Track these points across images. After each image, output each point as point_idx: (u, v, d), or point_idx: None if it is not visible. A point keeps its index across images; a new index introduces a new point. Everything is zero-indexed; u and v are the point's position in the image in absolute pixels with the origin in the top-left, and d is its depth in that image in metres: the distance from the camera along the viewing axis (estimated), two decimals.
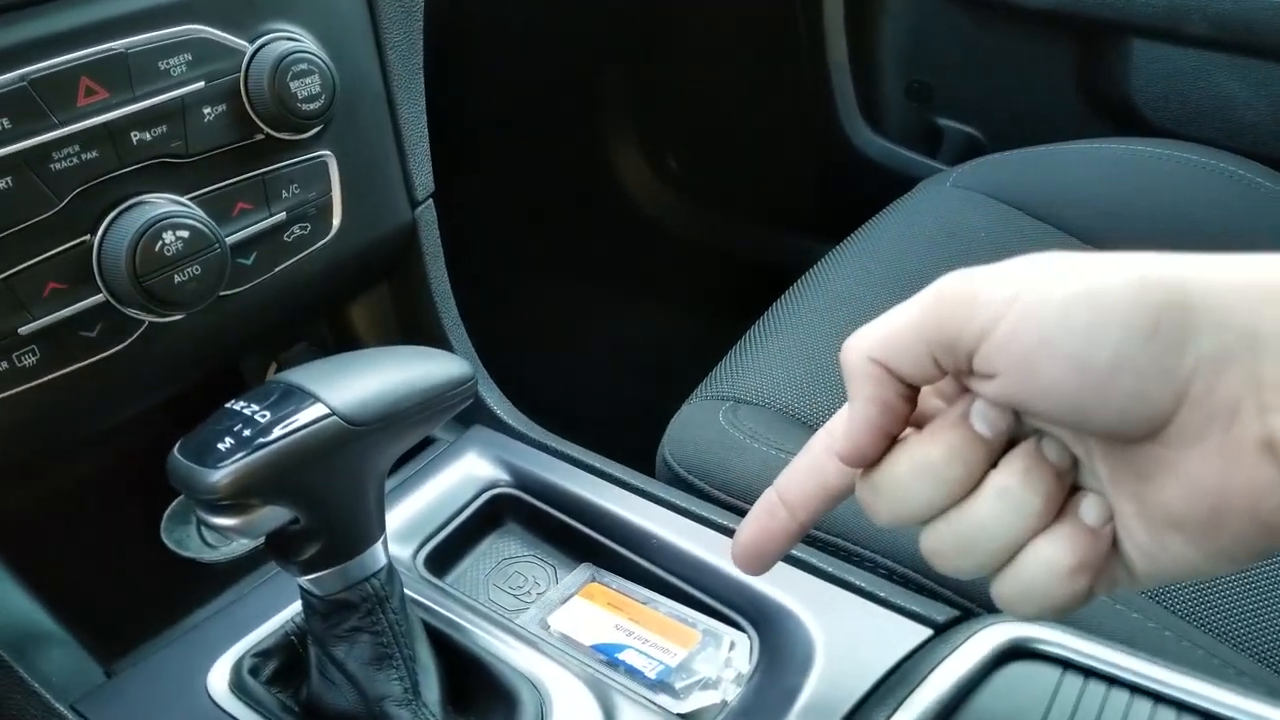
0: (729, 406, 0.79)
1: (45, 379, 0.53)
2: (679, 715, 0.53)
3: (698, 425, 0.77)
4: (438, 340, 0.74)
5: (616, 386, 1.51)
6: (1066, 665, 0.50)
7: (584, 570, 0.63)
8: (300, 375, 0.48)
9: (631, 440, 0.89)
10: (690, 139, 1.68)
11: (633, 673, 0.55)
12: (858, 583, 0.57)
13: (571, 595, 0.61)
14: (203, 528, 0.69)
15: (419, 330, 0.75)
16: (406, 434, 0.50)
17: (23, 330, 0.51)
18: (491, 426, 0.72)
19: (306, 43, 0.58)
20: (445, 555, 0.63)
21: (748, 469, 0.71)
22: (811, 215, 1.58)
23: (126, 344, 0.55)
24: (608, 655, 0.56)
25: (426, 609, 0.56)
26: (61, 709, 0.53)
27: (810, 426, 0.76)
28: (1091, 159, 1.08)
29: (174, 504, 0.71)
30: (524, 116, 1.61)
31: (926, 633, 0.54)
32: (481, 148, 1.48)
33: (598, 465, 0.67)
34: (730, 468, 0.71)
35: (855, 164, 1.46)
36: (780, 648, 0.55)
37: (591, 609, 0.60)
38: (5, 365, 0.51)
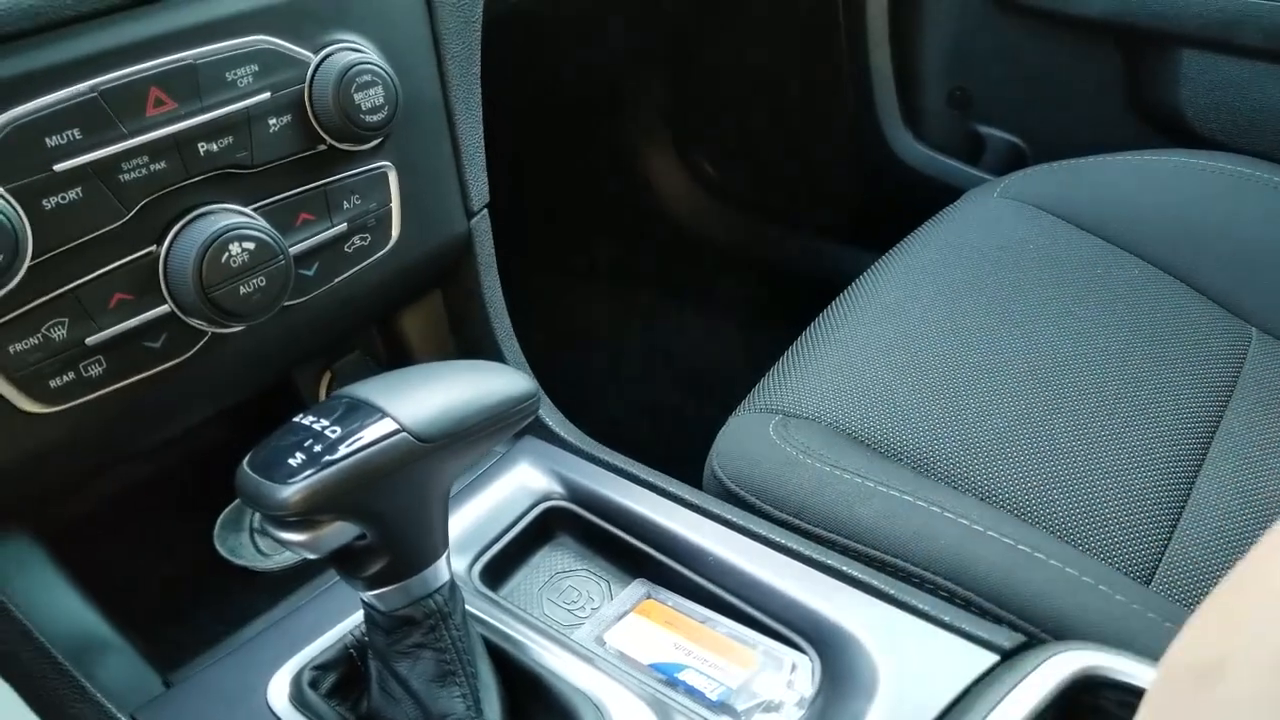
0: (779, 420, 0.78)
1: (110, 389, 0.53)
2: None
3: (748, 438, 0.77)
4: (490, 350, 0.74)
5: (655, 391, 1.50)
6: (1138, 695, 0.49)
7: (639, 586, 0.63)
8: (366, 390, 0.48)
9: (673, 446, 0.88)
10: (727, 145, 1.67)
11: (693, 693, 0.54)
12: (920, 606, 0.56)
13: (627, 612, 0.60)
14: (256, 535, 0.69)
15: (471, 340, 0.75)
16: (473, 450, 0.49)
17: (89, 341, 0.51)
18: (542, 438, 0.72)
19: (370, 54, 0.58)
20: (500, 568, 0.63)
21: (803, 485, 0.70)
22: (851, 222, 1.57)
23: (190, 354, 0.55)
24: (667, 675, 0.55)
25: (484, 623, 0.56)
26: (122, 718, 0.53)
27: (862, 443, 0.75)
28: (1140, 171, 1.07)
29: (226, 511, 0.71)
30: (558, 121, 1.61)
31: (993, 659, 0.53)
32: (515, 152, 1.48)
33: (650, 479, 0.66)
34: (785, 484, 0.71)
35: (896, 171, 1.45)
36: (842, 672, 0.54)
37: (648, 626, 0.59)
38: (72, 375, 0.51)
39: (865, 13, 1.40)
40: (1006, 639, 0.54)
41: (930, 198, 1.17)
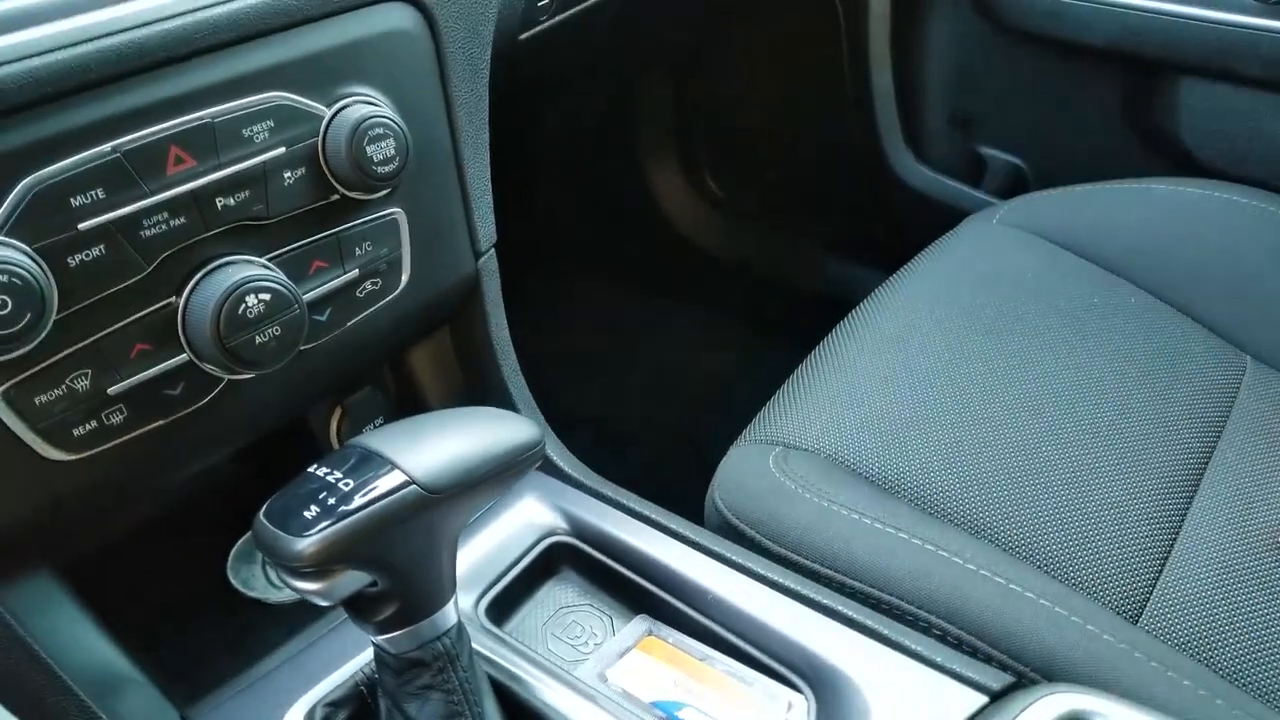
0: (779, 452, 0.80)
1: (131, 435, 0.55)
2: None
3: (748, 471, 0.78)
4: (497, 386, 0.76)
5: (662, 409, 1.52)
6: None
7: (641, 622, 0.64)
8: (378, 441, 0.50)
9: (679, 467, 0.90)
10: (730, 162, 1.69)
11: None
12: (913, 646, 0.58)
13: (629, 648, 0.62)
14: (269, 568, 0.71)
15: (478, 375, 0.77)
16: (481, 498, 0.51)
17: (111, 391, 0.53)
18: (548, 472, 0.74)
19: (382, 106, 0.60)
20: (505, 603, 0.65)
21: (800, 520, 0.72)
22: (855, 240, 1.59)
23: (207, 400, 0.57)
24: (668, 713, 0.57)
25: (490, 661, 0.58)
26: None
27: (861, 476, 0.77)
28: (1139, 200, 1.08)
29: (239, 544, 0.73)
30: (567, 143, 1.63)
31: (982, 700, 0.55)
32: (522, 167, 1.50)
33: (653, 515, 0.68)
34: (783, 518, 0.72)
35: (899, 192, 1.46)
36: (836, 711, 0.56)
37: (650, 663, 0.61)
38: (95, 424, 0.53)
39: (868, 34, 1.42)
40: (996, 680, 0.56)
41: (932, 219, 1.18)
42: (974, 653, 0.61)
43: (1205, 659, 0.67)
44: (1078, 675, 0.60)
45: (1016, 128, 1.39)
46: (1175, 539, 0.77)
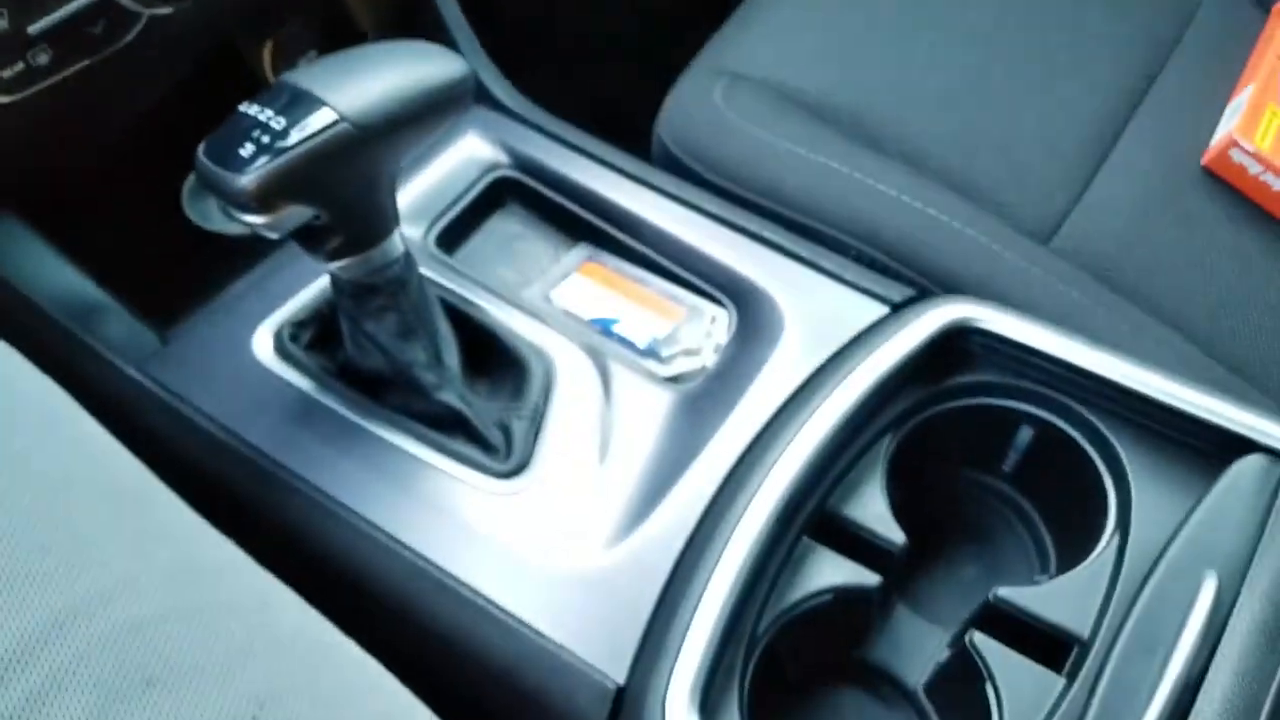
0: (726, 83, 0.80)
1: (60, 75, 0.55)
2: (665, 378, 0.61)
3: (694, 103, 0.79)
4: (428, 11, 0.74)
5: (614, 39, 1.48)
6: (1001, 341, 0.57)
7: (582, 250, 0.69)
8: (308, 79, 0.51)
9: (628, 102, 0.91)
10: None
11: (625, 343, 0.63)
12: (826, 265, 0.63)
13: (571, 273, 0.67)
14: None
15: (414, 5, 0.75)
16: (413, 133, 0.53)
17: (31, 30, 0.53)
18: (490, 107, 0.75)
19: None
20: (454, 234, 0.69)
21: (739, 152, 0.74)
22: None
23: (131, 37, 0.57)
24: (603, 327, 0.63)
25: (441, 287, 0.63)
26: (129, 371, 0.61)
27: (804, 105, 0.78)
28: None
29: (190, 179, 0.75)
30: None
31: (883, 310, 0.61)
32: None
33: (595, 151, 0.70)
34: (723, 150, 0.75)
35: None
36: (754, 322, 0.62)
37: (590, 285, 0.66)
38: (21, 66, 0.54)
39: None
40: (899, 294, 0.62)
41: None
42: (885, 271, 0.66)
43: (1105, 277, 0.72)
44: (977, 290, 0.66)
45: None
46: (1103, 162, 0.80)
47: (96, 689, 0.32)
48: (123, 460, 0.43)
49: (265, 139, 0.49)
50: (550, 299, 0.66)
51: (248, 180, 0.48)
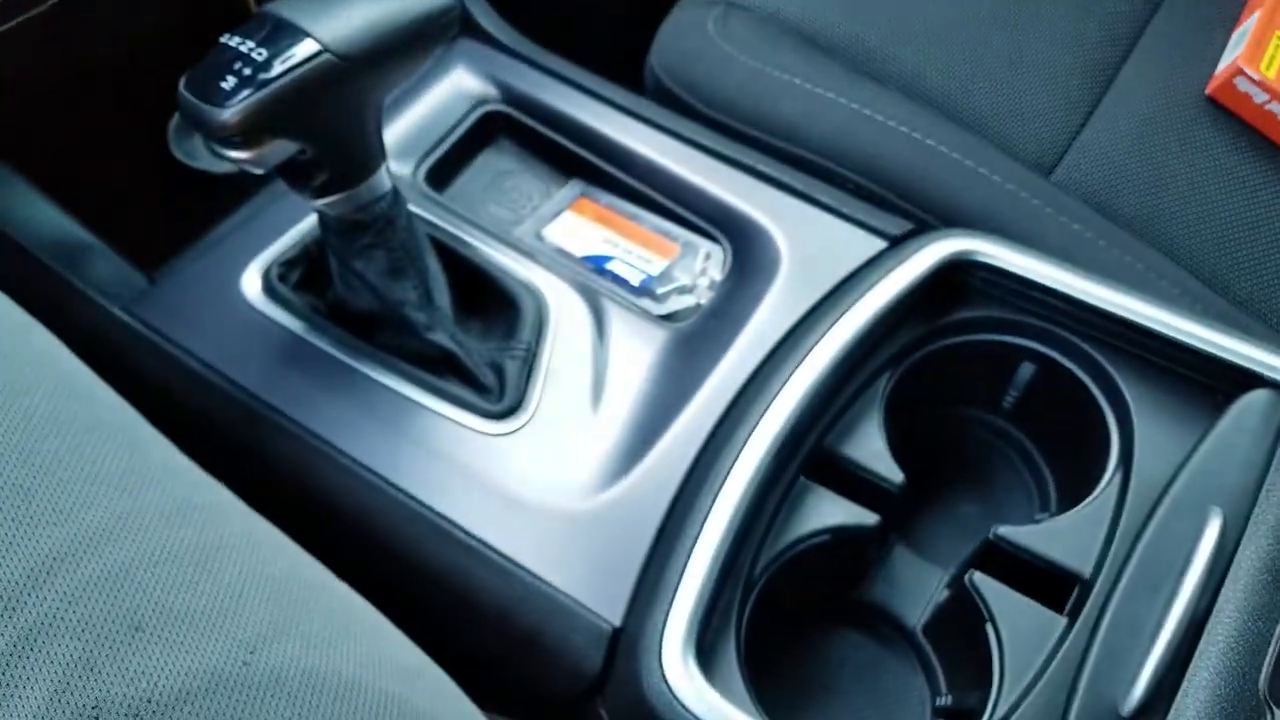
0: (720, 12, 0.78)
1: (42, 8, 0.54)
2: (658, 316, 0.60)
3: (688, 33, 0.77)
4: None
5: None
6: (1002, 275, 0.56)
7: (574, 186, 0.67)
8: (290, 9, 0.49)
9: (622, 37, 0.88)
10: None
11: (619, 281, 0.62)
12: (824, 199, 0.62)
13: (563, 210, 0.66)
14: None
15: None
16: (399, 65, 0.51)
17: None
18: (478, 40, 0.72)
19: None
20: (443, 170, 0.67)
21: (732, 83, 0.72)
22: None
23: None
24: (597, 265, 0.62)
25: (431, 224, 0.62)
26: (116, 312, 0.60)
27: (800, 34, 0.76)
28: None
29: (175, 117, 0.73)
30: None
31: (881, 244, 0.60)
32: None
33: (586, 84, 0.69)
34: (717, 81, 0.73)
35: None
36: (750, 258, 0.61)
37: (582, 222, 0.65)
38: None
39: None
40: (897, 227, 0.61)
41: None
42: (882, 204, 0.65)
43: (1108, 210, 0.71)
44: (976, 223, 0.65)
45: None
46: (1105, 92, 0.78)
47: (83, 634, 0.31)
48: (109, 401, 0.42)
49: (247, 71, 0.47)
50: (542, 236, 0.65)
51: (229, 114, 0.47)
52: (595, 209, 0.66)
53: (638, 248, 0.63)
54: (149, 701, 0.30)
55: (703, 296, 0.61)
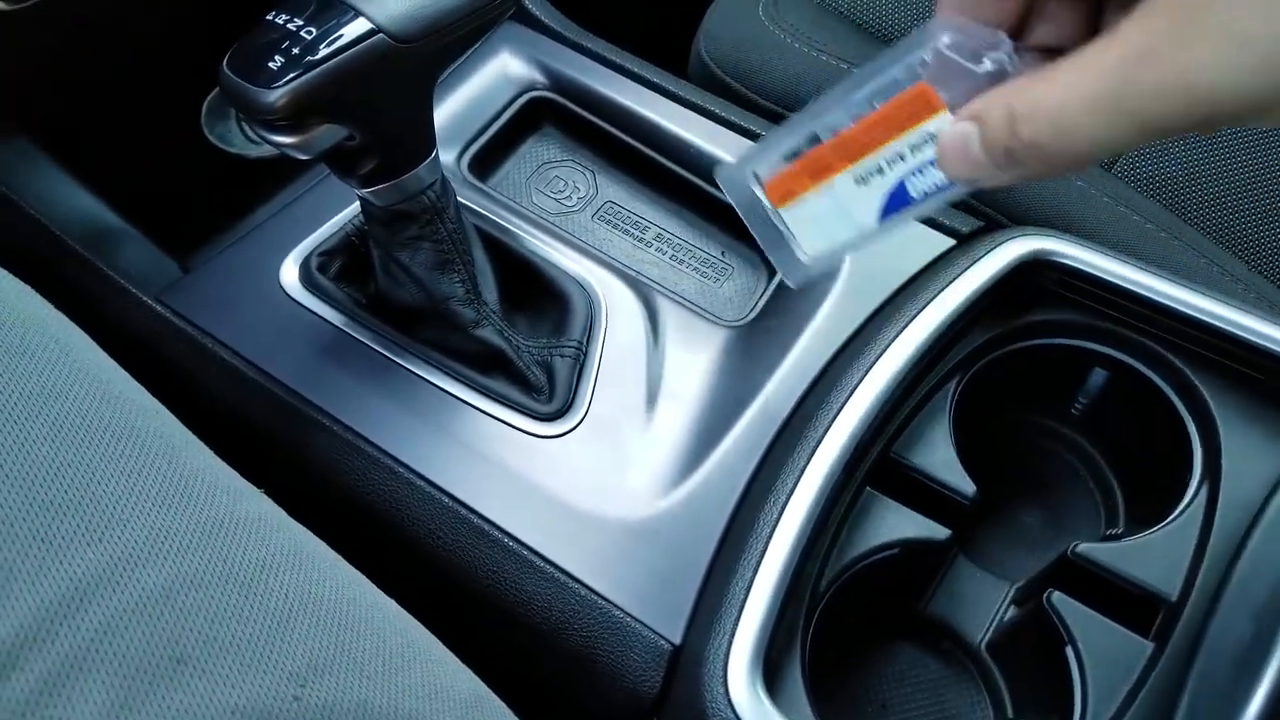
0: None
1: None
2: (716, 314, 0.57)
3: (737, 19, 0.74)
4: None
5: None
6: (1079, 276, 0.53)
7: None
8: None
9: (665, 19, 0.85)
10: None
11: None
12: None
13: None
14: (244, 123, 0.69)
15: None
16: (454, 46, 0.49)
17: None
18: (523, 23, 0.70)
19: None
20: (487, 159, 0.65)
21: (785, 72, 0.69)
22: None
23: None
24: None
25: (476, 214, 0.59)
26: (148, 301, 0.58)
27: (854, 23, 0.73)
28: None
29: (209, 99, 0.71)
30: None
31: (949, 242, 0.57)
32: None
33: (634, 69, 0.66)
34: (770, 69, 0.70)
35: None
36: None
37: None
38: None
39: None
40: (965, 224, 0.58)
41: None
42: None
43: (1172, 204, 0.68)
44: (1044, 219, 0.62)
45: None
46: None
47: (121, 669, 0.28)
48: (145, 405, 0.40)
49: (295, 50, 0.44)
50: (592, 229, 0.62)
51: (276, 96, 0.44)
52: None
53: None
54: None
55: (763, 294, 0.58)
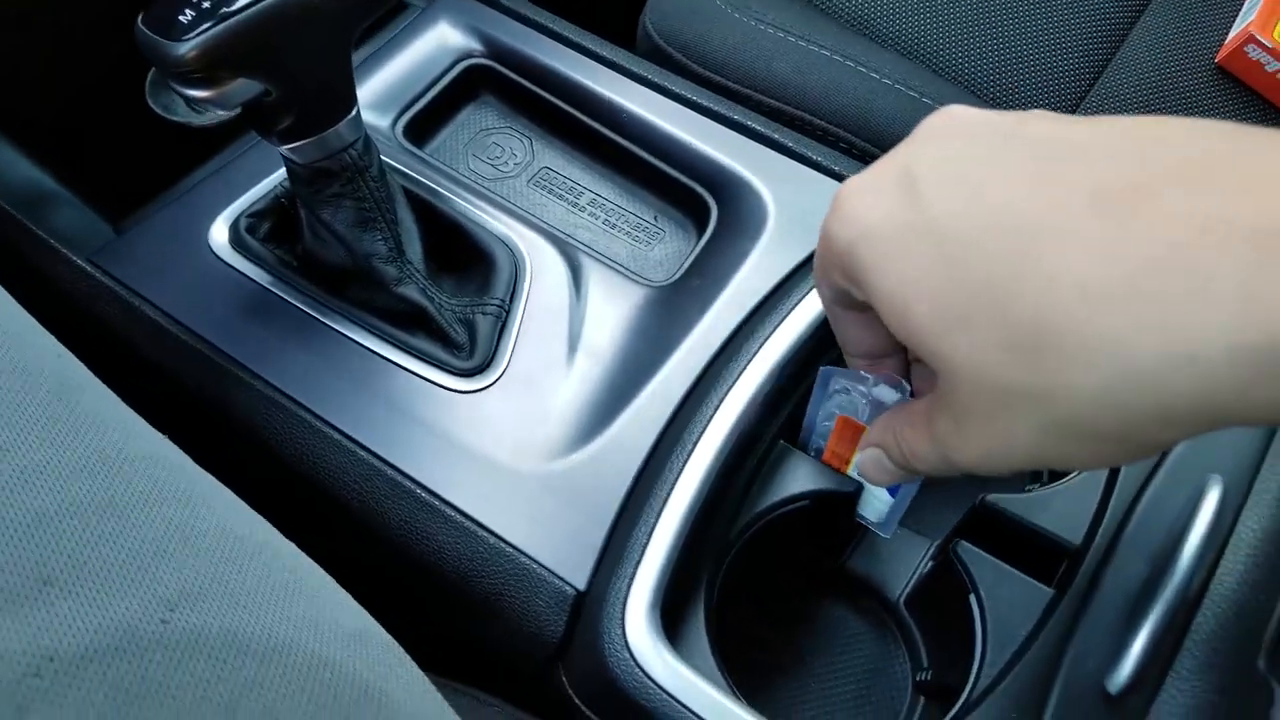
0: None
1: None
2: (640, 272, 0.58)
3: None
4: None
5: None
6: None
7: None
8: None
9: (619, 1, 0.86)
10: None
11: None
12: (815, 157, 0.59)
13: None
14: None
15: None
16: (369, 2, 0.49)
17: None
18: None
19: None
20: (423, 125, 0.65)
21: (727, 41, 0.70)
22: None
23: None
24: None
25: (408, 177, 0.60)
26: (80, 262, 0.58)
27: (806, 1, 0.74)
28: None
29: (153, 70, 0.71)
30: None
31: None
32: None
33: (573, 37, 0.66)
34: (710, 39, 0.71)
35: None
36: (737, 216, 0.58)
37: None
38: None
39: None
40: None
41: None
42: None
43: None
44: None
45: None
46: (1110, 59, 0.76)
47: None
48: (45, 346, 0.40)
49: (206, 4, 0.45)
50: (526, 194, 0.63)
51: (186, 49, 0.44)
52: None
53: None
54: (51, 659, 0.28)
55: (687, 252, 0.58)
